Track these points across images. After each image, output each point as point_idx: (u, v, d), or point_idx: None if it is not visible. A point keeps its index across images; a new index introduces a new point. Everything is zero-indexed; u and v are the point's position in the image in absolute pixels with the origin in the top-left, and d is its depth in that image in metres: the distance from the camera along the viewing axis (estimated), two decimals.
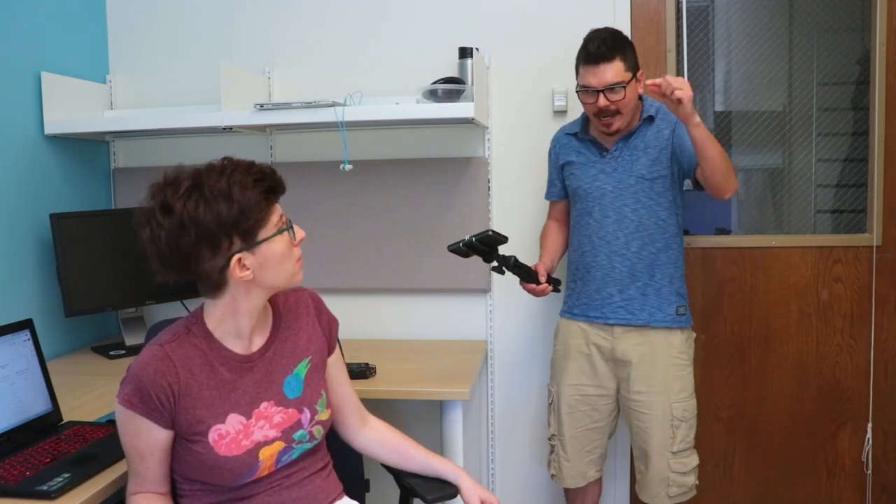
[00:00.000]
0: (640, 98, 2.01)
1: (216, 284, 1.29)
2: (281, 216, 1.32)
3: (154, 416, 1.27)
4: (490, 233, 1.84)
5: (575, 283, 2.11)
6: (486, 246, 1.87)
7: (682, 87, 1.71)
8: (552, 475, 2.19)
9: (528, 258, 2.06)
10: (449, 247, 1.90)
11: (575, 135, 2.08)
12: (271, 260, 1.29)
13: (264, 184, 1.28)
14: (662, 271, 2.00)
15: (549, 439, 2.19)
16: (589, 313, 2.06)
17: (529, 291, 2.01)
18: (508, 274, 1.95)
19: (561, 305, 2.19)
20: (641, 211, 1.97)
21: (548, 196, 2.23)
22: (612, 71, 1.86)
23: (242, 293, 1.32)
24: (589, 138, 2.04)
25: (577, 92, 1.96)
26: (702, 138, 1.78)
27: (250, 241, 1.27)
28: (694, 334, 2.11)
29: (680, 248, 2.05)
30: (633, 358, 2.01)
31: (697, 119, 1.76)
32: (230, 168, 1.27)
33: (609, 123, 1.93)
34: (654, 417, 1.99)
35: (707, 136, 1.79)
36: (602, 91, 1.88)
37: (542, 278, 1.98)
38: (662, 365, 2.00)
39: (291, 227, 1.34)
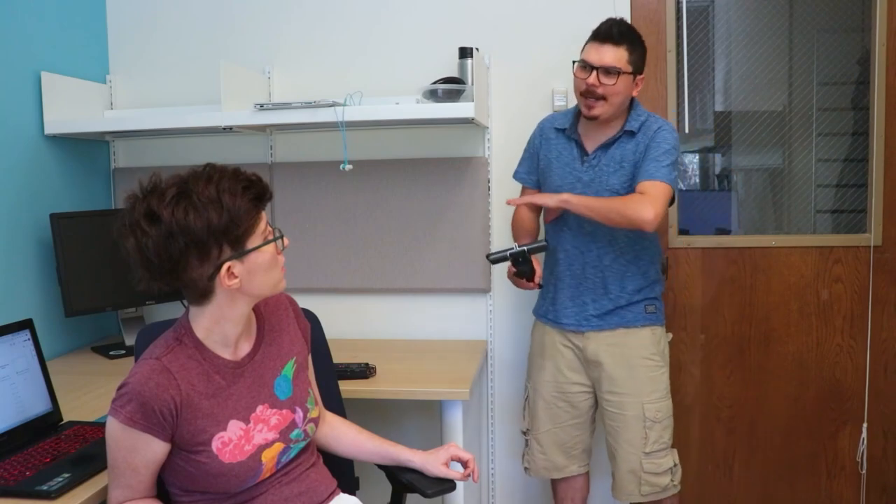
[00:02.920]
0: (631, 107, 2.00)
1: (203, 292, 1.28)
2: (266, 224, 1.32)
3: (155, 430, 1.25)
4: (545, 242, 1.92)
5: (548, 287, 2.11)
6: (532, 254, 1.91)
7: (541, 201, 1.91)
8: (525, 468, 2.20)
9: None
10: (489, 257, 1.93)
11: (563, 130, 2.05)
12: (259, 268, 1.29)
13: (252, 191, 1.27)
14: (633, 282, 2.00)
15: (524, 433, 2.20)
16: (562, 320, 2.06)
17: (520, 286, 2.02)
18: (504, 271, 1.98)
19: (535, 305, 2.20)
20: None
21: (516, 175, 2.20)
22: (615, 55, 1.88)
23: (228, 301, 1.31)
24: (575, 138, 2.02)
25: (573, 63, 1.95)
26: (580, 211, 1.88)
27: (239, 249, 1.26)
28: (669, 335, 2.12)
29: (652, 257, 2.04)
30: (604, 359, 2.01)
31: (563, 200, 1.88)
32: (217, 175, 1.26)
33: (591, 105, 1.92)
34: (625, 418, 1.99)
35: (582, 205, 1.88)
36: (597, 69, 1.88)
37: (538, 279, 1.99)
38: (634, 366, 1.99)
39: (282, 237, 1.34)
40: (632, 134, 1.95)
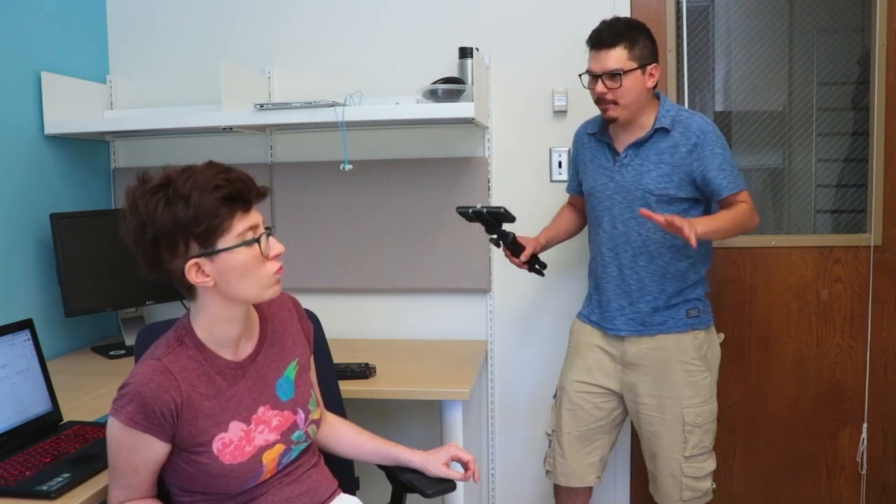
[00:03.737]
0: (657, 97, 1.97)
1: (186, 287, 1.29)
2: (252, 227, 1.27)
3: (156, 430, 1.25)
4: (502, 210, 1.91)
5: (591, 290, 2.13)
6: (493, 220, 1.94)
7: (687, 234, 1.69)
8: (546, 471, 2.19)
9: None
10: (458, 208, 1.97)
11: (594, 134, 2.05)
12: (232, 271, 1.26)
13: (223, 190, 1.23)
14: (673, 285, 1.96)
15: (548, 434, 2.18)
16: (603, 324, 2.05)
17: (510, 260, 2.05)
18: (506, 267, 1.99)
19: (579, 308, 2.19)
20: (648, 224, 1.91)
21: (567, 189, 2.27)
22: (613, 57, 1.87)
23: (213, 301, 1.30)
24: (606, 140, 2.01)
25: (579, 76, 1.97)
26: (714, 236, 1.84)
27: (208, 247, 1.24)
28: (721, 335, 2.07)
29: (694, 261, 1.98)
30: (644, 362, 1.99)
31: (701, 230, 1.74)
32: (199, 171, 1.25)
33: (605, 110, 1.93)
34: (664, 421, 1.97)
35: (717, 229, 1.83)
36: (600, 77, 1.88)
37: (524, 258, 2.01)
38: (673, 370, 1.96)
39: (258, 240, 1.27)
40: (665, 131, 1.92)
